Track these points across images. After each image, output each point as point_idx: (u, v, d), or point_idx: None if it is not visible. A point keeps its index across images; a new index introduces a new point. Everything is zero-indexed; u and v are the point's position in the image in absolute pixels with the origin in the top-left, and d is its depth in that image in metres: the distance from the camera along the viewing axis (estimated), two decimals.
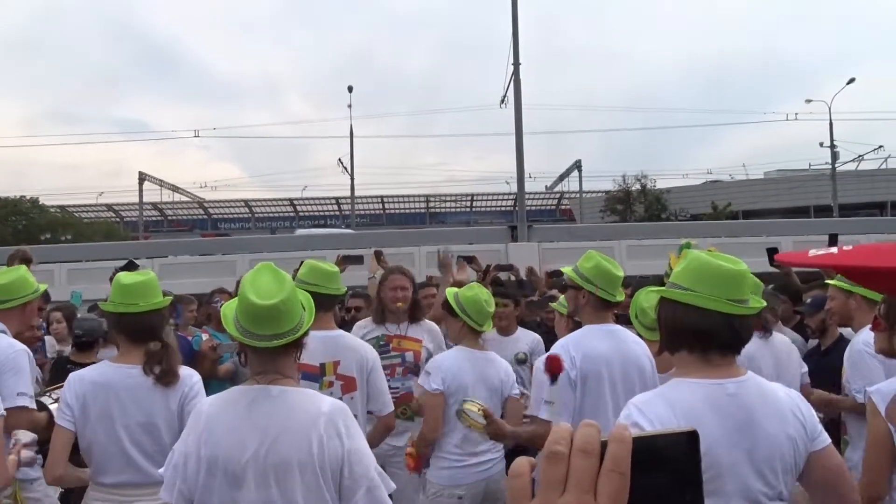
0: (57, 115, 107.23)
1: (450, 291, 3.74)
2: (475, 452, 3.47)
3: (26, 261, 6.35)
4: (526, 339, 4.78)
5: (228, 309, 2.12)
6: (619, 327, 3.14)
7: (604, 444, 0.56)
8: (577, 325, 3.65)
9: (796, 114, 36.78)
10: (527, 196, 20.39)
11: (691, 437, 0.58)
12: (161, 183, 44.40)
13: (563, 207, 52.52)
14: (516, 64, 18.91)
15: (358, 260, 5.51)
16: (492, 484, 3.49)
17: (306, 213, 54.85)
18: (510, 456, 4.30)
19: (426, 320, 4.26)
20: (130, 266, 4.08)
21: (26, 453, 2.73)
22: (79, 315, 5.89)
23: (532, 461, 0.61)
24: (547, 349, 4.29)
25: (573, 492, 0.56)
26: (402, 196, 55.21)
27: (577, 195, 42.52)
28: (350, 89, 36.26)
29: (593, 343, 2.98)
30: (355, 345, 3.41)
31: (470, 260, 6.34)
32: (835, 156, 35.32)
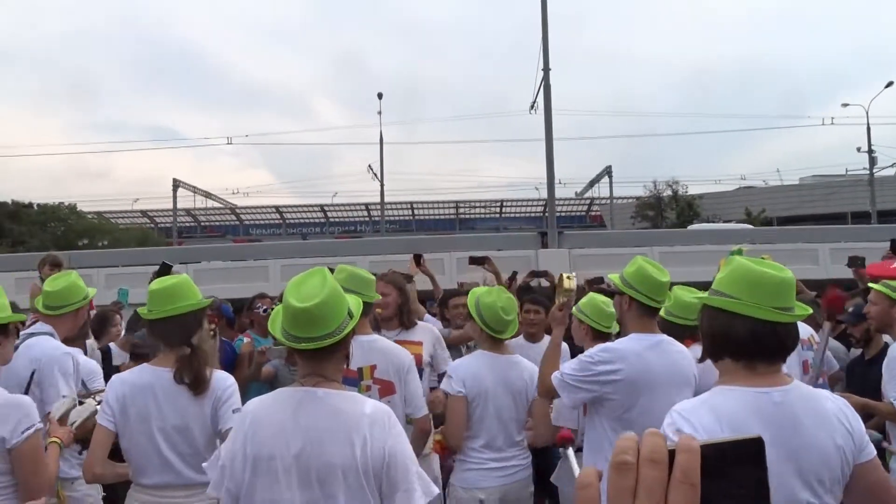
0: (96, 123, 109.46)
1: (472, 293, 3.66)
2: (499, 457, 3.44)
3: (56, 265, 6.48)
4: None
5: (277, 312, 2.16)
6: (665, 338, 3.07)
7: (671, 453, 0.56)
8: (598, 334, 3.63)
9: (832, 118, 36.34)
10: (557, 202, 20.25)
11: (757, 444, 0.58)
12: (194, 189, 45.08)
13: (593, 213, 52.19)
14: (546, 69, 18.81)
15: (409, 279, 5.41)
16: (513, 490, 3.44)
17: (337, 220, 55.25)
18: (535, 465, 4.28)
19: (420, 322, 4.17)
20: (164, 268, 4.11)
21: (59, 429, 2.76)
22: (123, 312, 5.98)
23: (599, 472, 0.61)
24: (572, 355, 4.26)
25: (643, 502, 0.56)
26: (432, 202, 55.34)
27: (608, 201, 42.23)
28: (380, 96, 36.43)
29: (638, 355, 2.92)
30: (391, 348, 3.41)
31: (482, 261, 6.13)
32: (873, 161, 34.62)
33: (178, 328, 2.78)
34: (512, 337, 3.73)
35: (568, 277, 3.38)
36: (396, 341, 3.90)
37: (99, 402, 2.91)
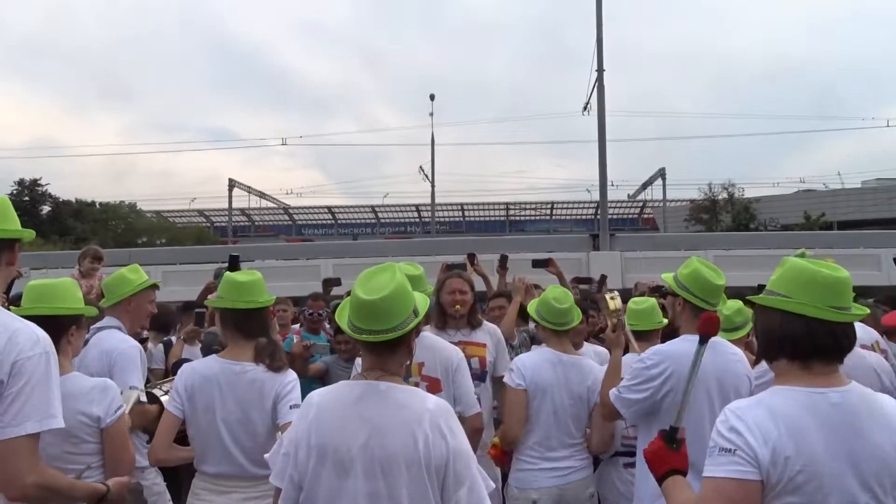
0: (156, 124, 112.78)
1: (532, 304, 3.78)
2: (552, 457, 3.44)
3: (97, 258, 6.69)
4: (590, 352, 4.51)
5: (345, 303, 2.20)
6: (719, 339, 3.03)
7: None
8: (638, 334, 3.62)
9: None
10: (608, 204, 20.05)
11: None
12: (249, 189, 45.97)
13: (645, 216, 51.45)
14: (600, 70, 18.67)
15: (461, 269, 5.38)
16: (569, 491, 3.44)
17: (387, 220, 55.67)
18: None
19: (486, 322, 4.18)
20: (233, 261, 4.16)
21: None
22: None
23: None
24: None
25: None
26: (483, 203, 55.35)
27: (661, 204, 41.57)
28: (432, 97, 36.72)
29: (689, 356, 2.89)
30: (440, 346, 3.44)
31: (545, 263, 6.11)
32: None
33: (259, 320, 2.94)
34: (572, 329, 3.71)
35: (612, 298, 3.39)
36: (461, 342, 3.92)
37: (166, 392, 3.03)
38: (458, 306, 3.97)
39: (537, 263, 6.16)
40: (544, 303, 3.61)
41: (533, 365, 3.52)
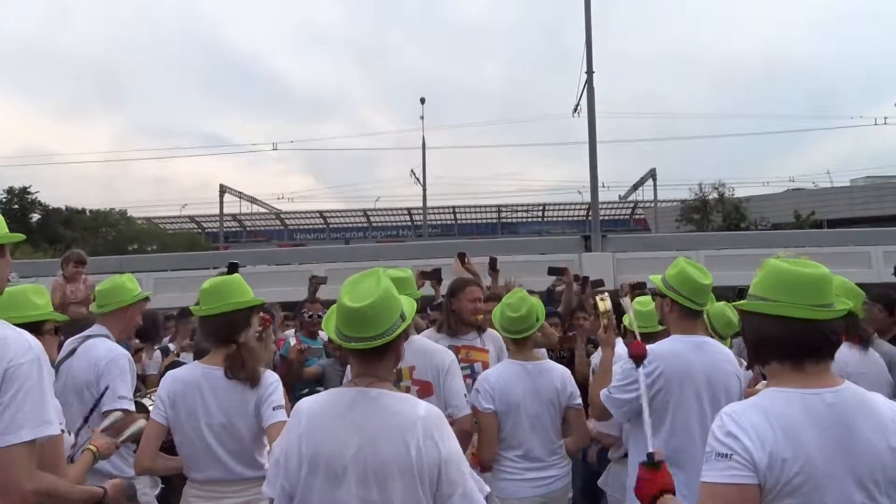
0: (148, 129, 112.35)
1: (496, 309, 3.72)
2: (536, 467, 3.41)
3: (80, 262, 6.71)
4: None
5: (332, 311, 2.19)
6: (708, 340, 3.05)
7: None
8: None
9: (885, 118, 35.21)
10: (600, 205, 20.09)
11: None
12: (240, 195, 45.94)
13: (637, 217, 51.62)
14: (589, 72, 18.76)
15: (435, 275, 5.29)
16: (552, 500, 3.42)
17: (379, 224, 55.64)
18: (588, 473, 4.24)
19: (490, 329, 4.16)
20: (232, 269, 4.13)
21: (100, 439, 2.79)
22: None
23: None
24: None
25: None
26: (474, 206, 55.35)
27: (652, 204, 41.68)
28: (422, 101, 36.72)
29: (678, 356, 2.90)
30: (430, 349, 3.41)
31: (561, 272, 6.04)
32: None
33: (224, 325, 2.86)
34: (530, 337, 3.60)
35: (601, 299, 3.37)
36: (466, 347, 3.95)
37: (137, 400, 3.00)
38: (480, 316, 3.98)
39: (553, 271, 6.17)
40: (502, 311, 3.52)
41: (501, 385, 3.42)
